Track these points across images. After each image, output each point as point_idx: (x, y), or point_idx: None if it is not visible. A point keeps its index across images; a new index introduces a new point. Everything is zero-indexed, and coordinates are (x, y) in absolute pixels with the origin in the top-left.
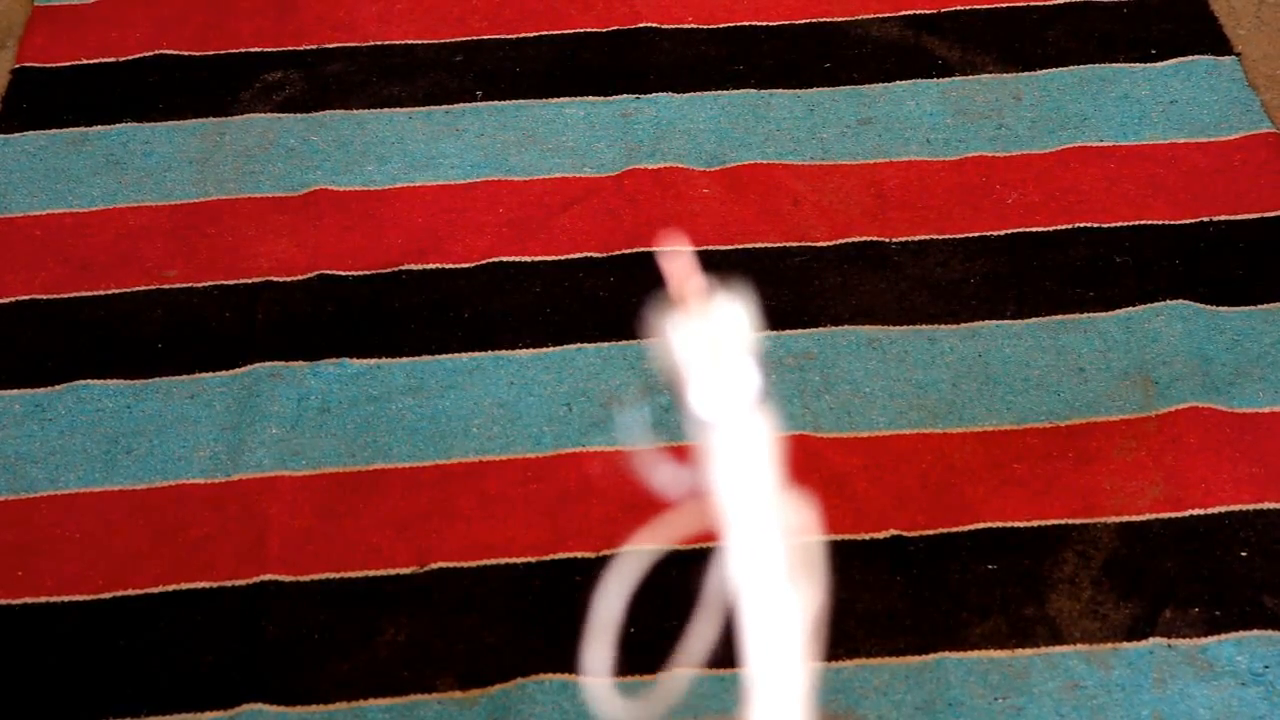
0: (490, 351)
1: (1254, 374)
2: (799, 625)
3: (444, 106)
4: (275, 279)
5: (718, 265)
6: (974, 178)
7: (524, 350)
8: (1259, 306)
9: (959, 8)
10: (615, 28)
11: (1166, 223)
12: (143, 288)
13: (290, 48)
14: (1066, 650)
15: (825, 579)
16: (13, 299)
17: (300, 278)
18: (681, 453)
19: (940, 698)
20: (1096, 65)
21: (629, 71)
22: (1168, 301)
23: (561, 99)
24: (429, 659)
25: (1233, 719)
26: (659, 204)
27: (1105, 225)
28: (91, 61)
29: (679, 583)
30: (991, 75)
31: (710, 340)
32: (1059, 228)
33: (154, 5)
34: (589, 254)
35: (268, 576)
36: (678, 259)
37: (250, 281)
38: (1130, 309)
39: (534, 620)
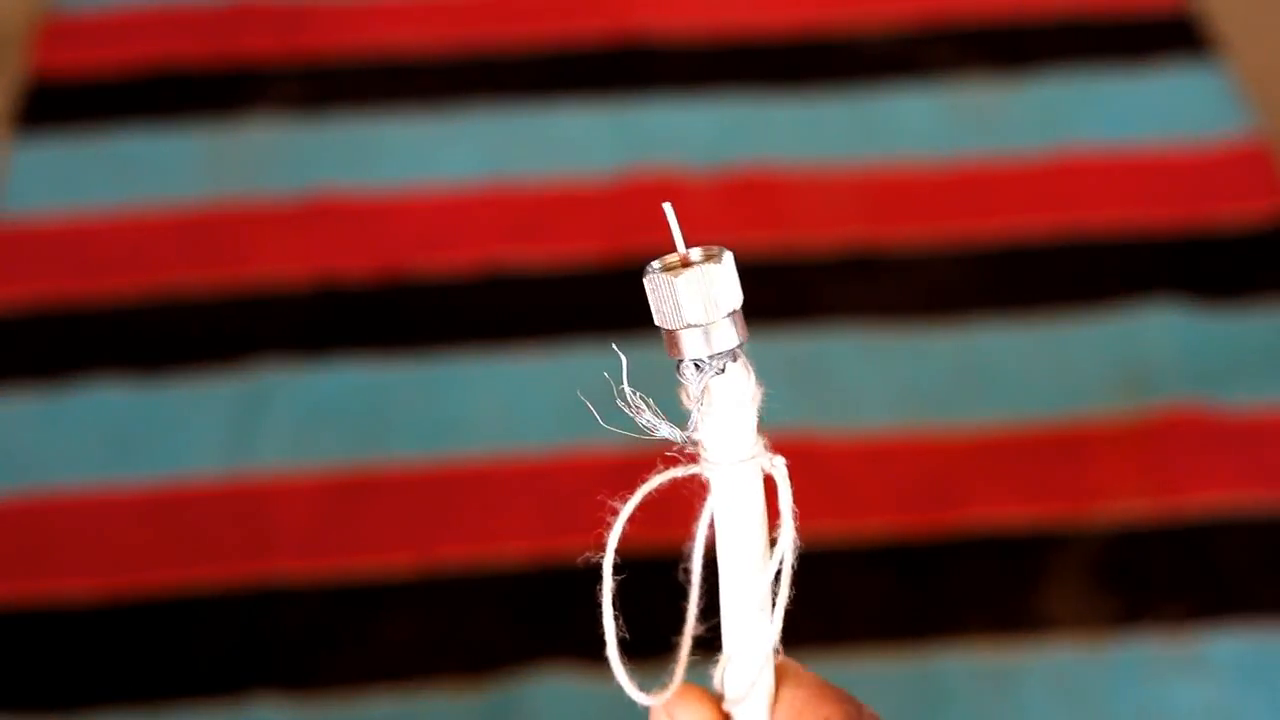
0: (491, 352)
1: (1243, 373)
2: (780, 612)
3: (445, 109)
4: (280, 280)
5: None
6: (968, 180)
7: (524, 350)
8: (1249, 307)
9: (954, 14)
10: (615, 31)
11: (1157, 224)
12: (151, 289)
13: (295, 53)
14: (1059, 646)
15: (797, 570)
16: (24, 300)
17: (304, 279)
18: (674, 451)
19: (935, 694)
20: (1089, 69)
21: (628, 74)
22: (1158, 302)
23: (561, 101)
24: (432, 652)
25: (1222, 714)
26: (657, 206)
27: (1097, 227)
28: (101, 68)
29: (672, 578)
30: (985, 80)
31: (705, 334)
32: (1051, 230)
33: (162, 13)
34: (588, 255)
35: (273, 572)
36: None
37: (256, 283)
38: (1121, 310)
39: (535, 616)
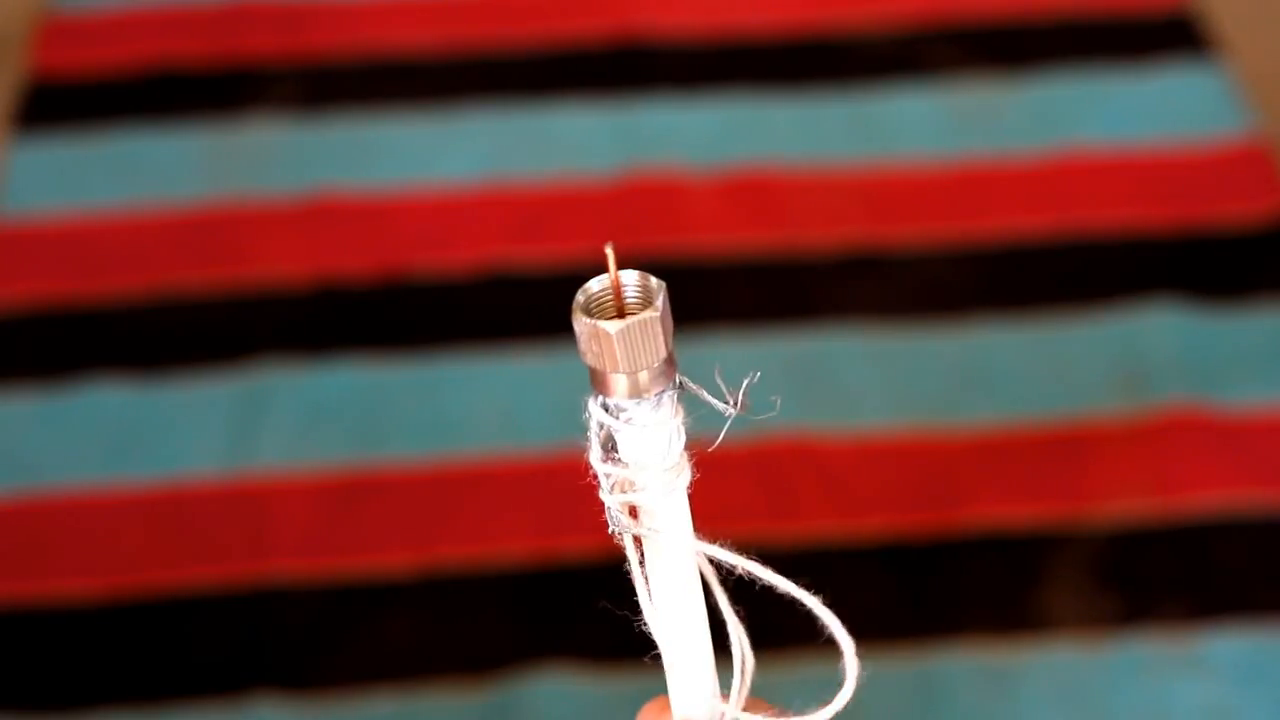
0: (491, 352)
1: (1242, 373)
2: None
3: (445, 109)
4: (280, 280)
5: (715, 267)
6: (968, 180)
7: (524, 351)
8: (1249, 307)
9: (954, 14)
10: (615, 31)
11: (1157, 224)
12: (151, 289)
13: (295, 53)
14: (1059, 646)
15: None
16: (24, 300)
17: (304, 279)
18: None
19: (935, 694)
20: (1089, 69)
21: (628, 74)
22: (1158, 302)
23: (561, 101)
24: (432, 652)
25: (1222, 714)
26: (657, 206)
27: (1097, 227)
28: (101, 68)
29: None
30: (986, 79)
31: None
32: (1051, 230)
33: (162, 12)
34: (588, 255)
35: (273, 572)
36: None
37: (256, 283)
38: (1121, 309)
39: (535, 616)
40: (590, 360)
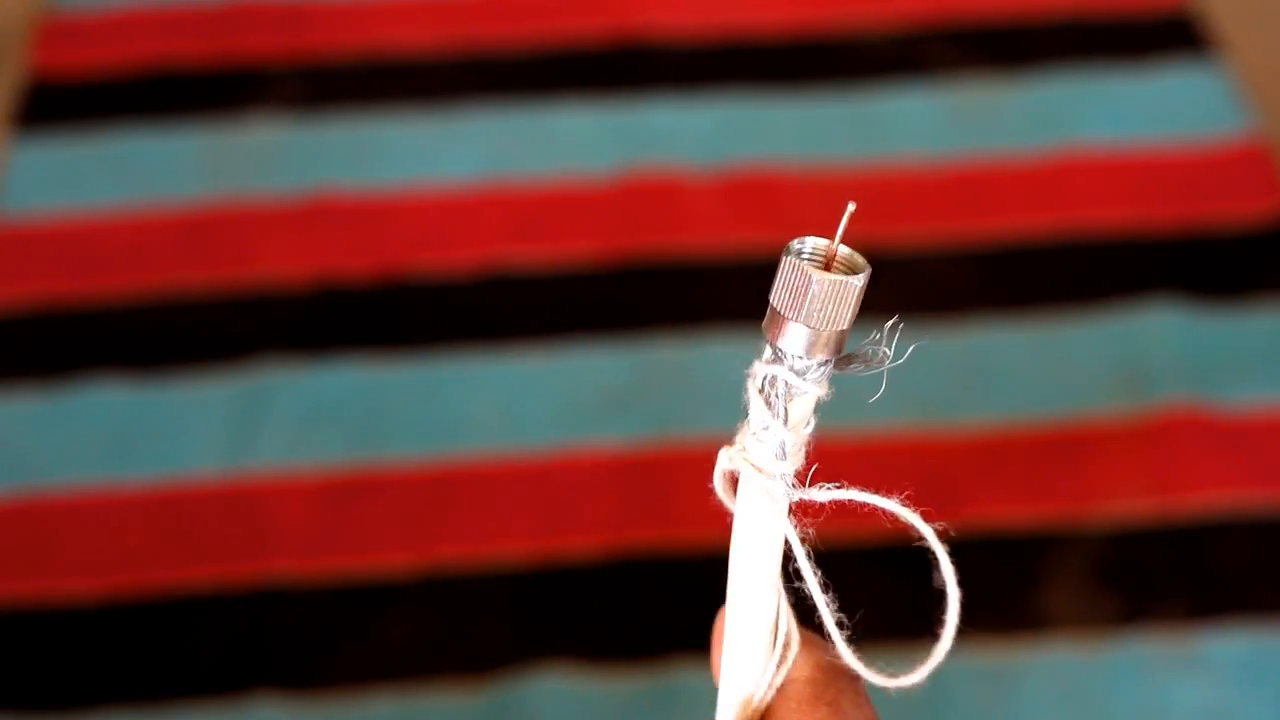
0: (491, 352)
1: (1243, 373)
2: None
3: (445, 109)
4: (280, 280)
5: (715, 267)
6: (968, 180)
7: (524, 350)
8: (1249, 307)
9: (954, 14)
10: (615, 31)
11: (1157, 224)
12: (151, 289)
13: (295, 53)
14: (1059, 646)
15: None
16: (24, 300)
17: (304, 279)
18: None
19: (935, 694)
20: (1089, 68)
21: (628, 74)
22: (1158, 302)
23: (561, 101)
24: (432, 652)
25: (1222, 714)
26: (657, 206)
27: (1097, 227)
28: (101, 68)
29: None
30: (985, 79)
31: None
32: (1051, 230)
33: (162, 12)
34: (588, 255)
35: (273, 572)
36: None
37: (256, 282)
38: (1121, 310)
39: (535, 616)
40: (785, 304)
